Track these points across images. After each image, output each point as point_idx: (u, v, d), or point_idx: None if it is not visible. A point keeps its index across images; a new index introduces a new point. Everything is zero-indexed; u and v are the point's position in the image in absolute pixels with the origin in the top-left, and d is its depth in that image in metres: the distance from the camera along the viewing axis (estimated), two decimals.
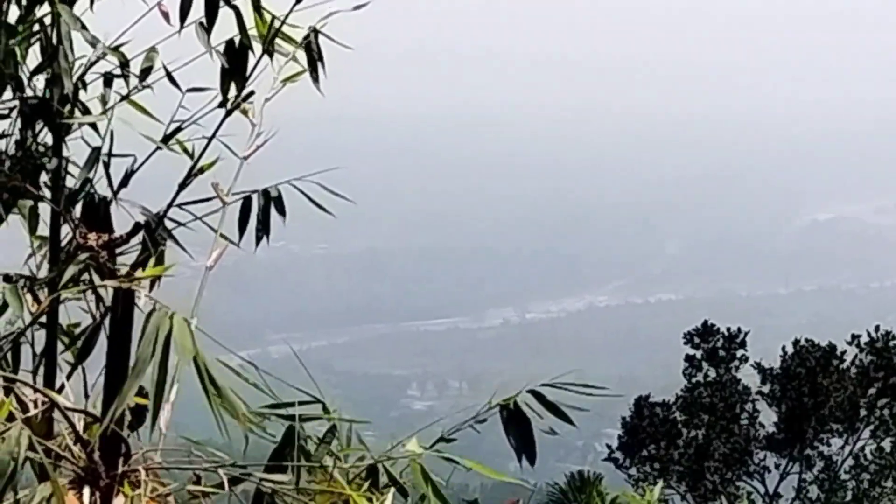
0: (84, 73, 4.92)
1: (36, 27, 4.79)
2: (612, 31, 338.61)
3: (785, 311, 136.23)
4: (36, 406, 3.88)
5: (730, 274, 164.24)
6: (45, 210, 4.90)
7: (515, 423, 4.37)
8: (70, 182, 4.91)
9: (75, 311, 4.74)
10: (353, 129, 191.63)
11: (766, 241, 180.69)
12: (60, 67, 4.75)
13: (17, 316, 4.34)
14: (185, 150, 4.97)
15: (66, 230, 4.81)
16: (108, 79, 4.98)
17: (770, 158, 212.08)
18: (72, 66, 4.80)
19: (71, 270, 4.27)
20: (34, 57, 4.84)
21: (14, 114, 4.86)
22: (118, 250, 4.53)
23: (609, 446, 33.83)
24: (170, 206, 4.86)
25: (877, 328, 32.98)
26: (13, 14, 4.76)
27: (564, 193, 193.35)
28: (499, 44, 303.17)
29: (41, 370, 4.70)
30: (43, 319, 4.66)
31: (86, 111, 4.94)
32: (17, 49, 4.75)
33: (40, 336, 4.71)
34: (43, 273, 4.82)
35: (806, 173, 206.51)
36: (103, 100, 4.96)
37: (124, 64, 4.97)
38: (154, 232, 4.78)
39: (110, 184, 4.88)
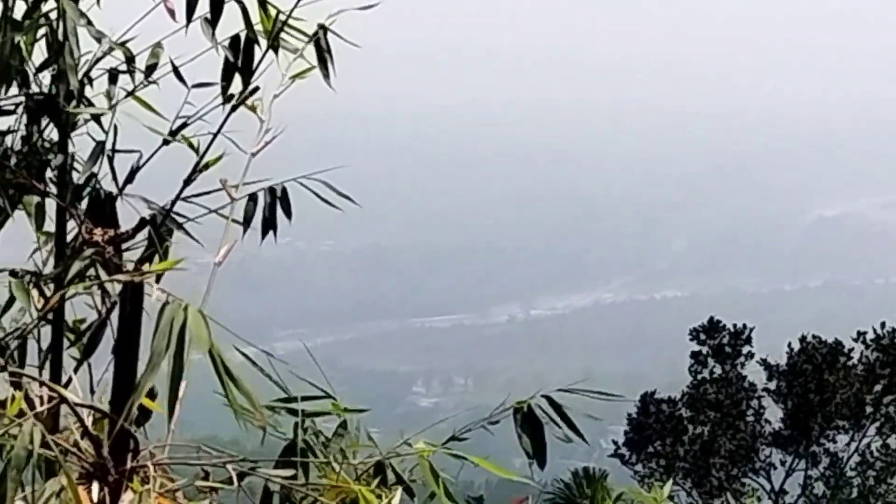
0: (90, 69, 4.91)
1: (42, 22, 4.77)
2: (614, 31, 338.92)
3: (791, 308, 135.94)
4: (42, 402, 3.87)
5: (736, 270, 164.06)
6: (50, 206, 4.89)
7: (529, 427, 4.38)
8: (76, 178, 4.89)
9: (80, 307, 4.73)
10: (359, 126, 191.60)
11: (772, 237, 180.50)
12: (66, 63, 4.73)
13: (23, 312, 4.33)
14: (191, 146, 4.96)
15: (72, 226, 4.80)
16: (113, 75, 4.96)
17: (776, 155, 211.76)
18: (78, 62, 4.78)
19: (77, 266, 4.27)
20: (40, 52, 4.82)
21: (20, 110, 4.85)
22: (124, 246, 4.52)
23: (615, 443, 33.78)
24: (175, 200, 4.85)
25: (883, 325, 32.93)
26: (19, 9, 4.74)
27: (570, 190, 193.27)
28: (502, 42, 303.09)
29: (47, 366, 4.69)
30: (48, 315, 4.64)
31: (91, 107, 4.92)
32: (22, 44, 4.73)
33: (45, 332, 4.69)
34: (49, 268, 4.81)
35: (812, 170, 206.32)
36: (109, 96, 4.95)
37: (130, 60, 4.96)
38: (160, 227, 4.77)
39: (115, 179, 4.87)
